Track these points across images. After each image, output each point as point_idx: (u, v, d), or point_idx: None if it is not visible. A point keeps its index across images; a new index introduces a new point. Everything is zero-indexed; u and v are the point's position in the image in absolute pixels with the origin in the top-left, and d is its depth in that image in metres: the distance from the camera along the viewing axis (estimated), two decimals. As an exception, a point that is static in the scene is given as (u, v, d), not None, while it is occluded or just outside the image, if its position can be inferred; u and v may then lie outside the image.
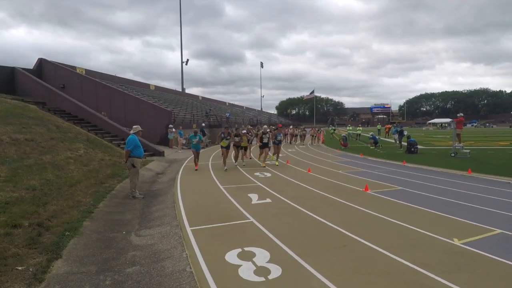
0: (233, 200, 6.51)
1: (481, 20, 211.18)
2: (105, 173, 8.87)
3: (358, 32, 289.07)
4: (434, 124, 75.13)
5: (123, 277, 3.40)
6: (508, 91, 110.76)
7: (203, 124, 23.54)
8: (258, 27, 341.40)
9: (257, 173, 10.09)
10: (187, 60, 43.97)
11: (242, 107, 64.47)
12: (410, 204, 6.13)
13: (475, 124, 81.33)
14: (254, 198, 6.72)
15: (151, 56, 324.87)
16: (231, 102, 61.74)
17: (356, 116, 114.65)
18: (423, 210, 5.73)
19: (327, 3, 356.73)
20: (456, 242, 4.15)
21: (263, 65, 74.44)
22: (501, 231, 4.55)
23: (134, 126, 7.53)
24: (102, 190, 7.17)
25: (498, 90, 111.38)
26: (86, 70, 25.48)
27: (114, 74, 30.79)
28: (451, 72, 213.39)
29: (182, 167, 11.65)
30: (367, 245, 4.08)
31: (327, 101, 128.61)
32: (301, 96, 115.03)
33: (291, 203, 6.25)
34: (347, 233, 4.52)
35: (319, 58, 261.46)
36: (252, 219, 5.18)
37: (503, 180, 8.58)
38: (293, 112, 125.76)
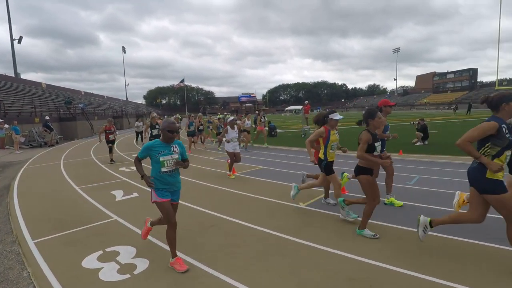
0: (92, 201, 5.76)
1: (315, 24, 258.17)
2: None
3: (219, 24, 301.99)
4: (290, 110, 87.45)
5: None
6: (340, 83, 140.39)
7: (47, 118, 19.41)
8: (110, 7, 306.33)
9: (123, 168, 9.26)
10: (21, 37, 34.97)
11: (103, 96, 57.00)
12: (269, 180, 7.00)
13: (319, 110, 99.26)
14: (119, 194, 6.16)
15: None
16: (88, 91, 53.55)
17: (226, 104, 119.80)
18: (278, 183, 6.65)
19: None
20: (301, 205, 5.06)
21: (125, 50, 67.36)
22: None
23: None
24: None
25: (333, 83, 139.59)
26: None
27: None
28: (299, 67, 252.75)
29: (21, 171, 9.42)
30: (233, 221, 4.43)
31: (198, 90, 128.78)
32: (171, 85, 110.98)
33: (161, 194, 6.06)
34: (215, 213, 4.77)
35: (183, 46, 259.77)
36: (115, 217, 4.76)
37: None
38: (164, 101, 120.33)
